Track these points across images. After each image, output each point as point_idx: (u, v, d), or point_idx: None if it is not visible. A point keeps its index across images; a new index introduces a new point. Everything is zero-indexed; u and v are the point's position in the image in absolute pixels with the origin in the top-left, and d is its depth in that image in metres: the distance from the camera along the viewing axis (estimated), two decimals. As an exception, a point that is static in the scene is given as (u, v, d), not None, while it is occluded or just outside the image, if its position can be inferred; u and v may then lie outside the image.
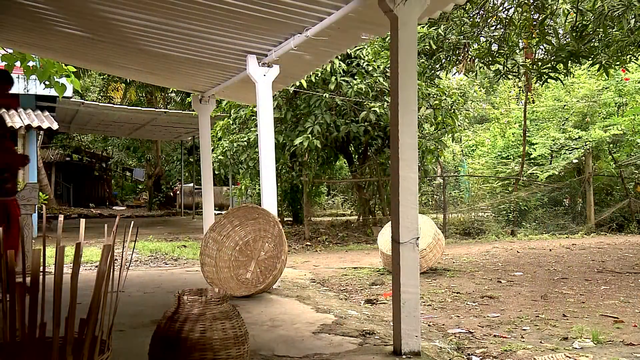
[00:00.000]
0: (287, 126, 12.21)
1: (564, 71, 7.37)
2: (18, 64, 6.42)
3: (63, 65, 6.61)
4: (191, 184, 21.81)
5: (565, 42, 7.21)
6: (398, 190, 3.35)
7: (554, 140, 15.35)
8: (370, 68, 11.60)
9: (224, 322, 2.59)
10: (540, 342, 4.14)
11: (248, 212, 5.46)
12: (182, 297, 2.63)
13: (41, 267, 1.94)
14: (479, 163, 18.93)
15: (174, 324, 2.56)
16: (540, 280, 7.02)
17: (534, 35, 7.56)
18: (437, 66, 8.94)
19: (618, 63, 7.36)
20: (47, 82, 6.54)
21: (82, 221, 2.28)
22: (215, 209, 11.45)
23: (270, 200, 5.64)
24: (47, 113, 12.54)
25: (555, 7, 7.12)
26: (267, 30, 4.94)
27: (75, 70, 6.81)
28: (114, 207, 24.45)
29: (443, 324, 4.75)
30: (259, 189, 7.53)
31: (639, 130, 15.01)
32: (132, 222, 2.92)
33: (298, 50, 5.16)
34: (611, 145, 15.30)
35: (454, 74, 12.33)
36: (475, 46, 8.42)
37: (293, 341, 3.64)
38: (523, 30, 7.50)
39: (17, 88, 12.06)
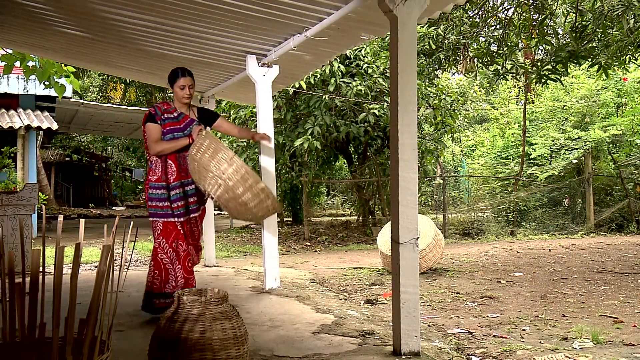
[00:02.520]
0: (286, 126, 12.22)
1: (563, 71, 7.38)
2: (17, 64, 6.42)
3: (62, 65, 6.61)
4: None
5: (564, 42, 7.21)
6: (398, 191, 3.35)
7: (553, 141, 15.38)
8: (370, 69, 11.61)
9: (223, 322, 2.59)
10: (540, 342, 4.15)
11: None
12: (182, 297, 2.63)
13: (41, 267, 1.94)
14: (478, 163, 18.95)
15: (173, 324, 2.56)
16: (539, 280, 7.02)
17: (533, 36, 7.56)
18: (436, 66, 8.94)
19: (617, 63, 7.37)
20: (46, 83, 6.53)
21: (82, 221, 2.28)
22: (215, 210, 11.46)
23: (269, 201, 5.65)
24: (46, 113, 12.54)
25: (554, 8, 7.12)
26: (267, 31, 4.94)
27: (74, 70, 6.81)
28: (113, 208, 24.45)
29: (443, 324, 4.75)
30: (259, 189, 7.51)
31: (638, 131, 15.02)
32: (132, 222, 2.93)
33: (298, 51, 5.16)
34: (610, 145, 15.31)
35: (453, 73, 12.34)
36: (475, 46, 8.43)
37: (293, 341, 3.64)
38: (522, 30, 7.51)
39: (16, 88, 12.06)
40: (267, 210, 3.95)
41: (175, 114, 4.28)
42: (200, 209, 4.35)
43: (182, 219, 4.21)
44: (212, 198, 3.92)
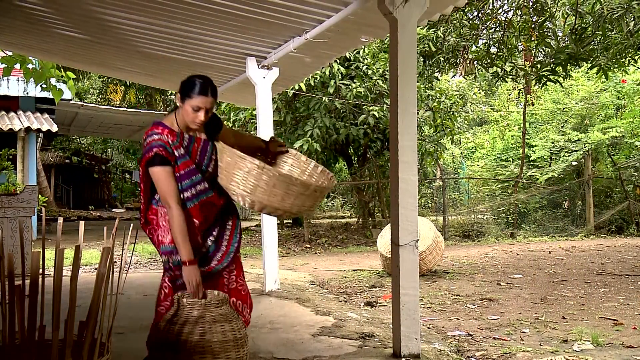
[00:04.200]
0: (286, 129, 12.22)
1: (563, 74, 7.38)
2: (17, 66, 6.41)
3: (62, 70, 6.61)
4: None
5: (564, 44, 7.22)
6: (397, 193, 3.35)
7: (553, 143, 15.38)
8: (370, 71, 11.62)
9: (223, 324, 2.59)
10: (540, 344, 4.14)
11: None
12: (182, 299, 2.63)
13: (40, 270, 1.94)
14: (478, 165, 18.95)
15: (173, 326, 2.55)
16: (539, 282, 7.02)
17: (533, 38, 7.57)
18: (435, 68, 8.95)
19: (617, 66, 7.38)
20: (43, 85, 6.53)
21: (82, 223, 2.28)
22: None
23: (269, 203, 5.65)
24: (46, 115, 12.54)
25: (554, 10, 7.13)
26: (267, 33, 4.95)
27: (74, 77, 6.80)
28: (113, 210, 24.43)
29: (443, 327, 4.75)
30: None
31: (637, 133, 15.03)
32: (132, 224, 2.92)
33: (298, 53, 5.16)
34: (610, 147, 15.31)
35: (453, 76, 12.37)
36: (475, 48, 8.44)
37: (292, 344, 3.63)
38: (522, 32, 7.51)
39: (16, 90, 12.06)
40: (322, 198, 3.10)
41: (185, 144, 2.90)
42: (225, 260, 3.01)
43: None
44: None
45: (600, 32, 6.63)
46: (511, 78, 8.34)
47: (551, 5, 7.15)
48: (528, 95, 16.82)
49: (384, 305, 5.58)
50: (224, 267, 2.98)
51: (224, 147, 2.84)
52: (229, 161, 2.77)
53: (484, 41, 8.09)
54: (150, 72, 7.04)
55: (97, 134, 21.18)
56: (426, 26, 8.59)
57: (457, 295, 6.17)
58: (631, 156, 15.30)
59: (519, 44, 8.23)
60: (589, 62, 7.15)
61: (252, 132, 12.09)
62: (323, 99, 11.44)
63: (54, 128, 11.96)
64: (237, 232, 3.09)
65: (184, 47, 5.47)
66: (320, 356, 3.34)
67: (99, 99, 22.80)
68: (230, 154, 2.76)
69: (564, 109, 16.37)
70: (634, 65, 8.27)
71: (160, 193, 2.85)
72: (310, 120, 11.65)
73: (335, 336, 3.83)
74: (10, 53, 6.40)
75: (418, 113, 11.35)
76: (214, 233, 2.99)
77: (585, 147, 14.44)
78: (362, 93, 11.40)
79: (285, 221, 15.92)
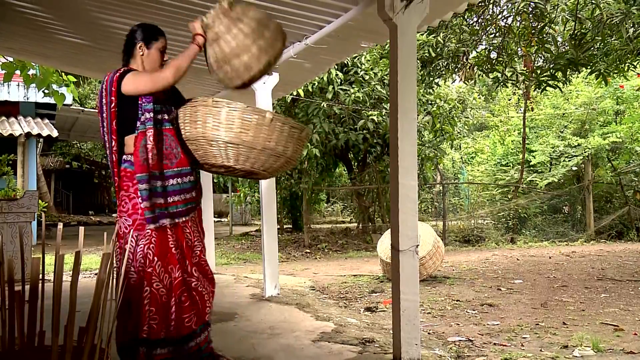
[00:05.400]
0: (286, 134, 12.22)
1: (563, 79, 7.40)
2: (18, 72, 6.43)
3: (63, 74, 6.63)
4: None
5: (564, 50, 7.24)
6: (397, 198, 3.35)
7: (553, 148, 15.40)
8: (368, 77, 11.65)
9: None
10: (540, 350, 4.13)
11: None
12: None
13: (40, 275, 1.94)
14: (478, 170, 18.96)
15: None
16: (540, 288, 7.01)
17: (532, 44, 7.58)
18: (435, 74, 8.96)
19: (617, 71, 7.39)
20: (46, 91, 6.54)
21: (82, 229, 2.28)
22: (214, 217, 11.45)
23: (269, 208, 5.66)
24: (46, 121, 12.55)
25: (554, 15, 7.15)
26: (267, 38, 4.95)
27: (75, 80, 6.81)
28: (113, 215, 24.42)
29: (443, 332, 4.74)
30: (258, 197, 7.52)
31: (637, 138, 15.05)
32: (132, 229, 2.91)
33: (298, 58, 5.17)
34: (610, 152, 15.33)
35: (453, 81, 12.39)
36: (475, 54, 8.46)
37: (293, 350, 3.63)
38: (522, 38, 7.53)
39: (17, 96, 12.08)
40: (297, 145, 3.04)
41: None
42: (192, 210, 3.13)
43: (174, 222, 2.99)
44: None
45: (600, 38, 6.65)
46: (511, 83, 8.35)
47: (551, 11, 7.16)
48: (528, 101, 16.85)
49: (384, 311, 5.57)
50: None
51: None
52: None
53: (484, 47, 8.12)
54: (151, 78, 7.03)
55: (98, 139, 21.17)
56: (426, 32, 8.60)
57: (457, 301, 6.16)
58: (631, 161, 15.32)
59: (519, 49, 8.25)
60: (589, 67, 7.16)
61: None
62: (322, 105, 11.46)
63: (54, 133, 11.97)
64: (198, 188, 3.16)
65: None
66: (320, 362, 3.34)
67: (99, 104, 22.78)
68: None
69: (563, 114, 16.40)
70: (633, 71, 8.28)
71: (143, 84, 2.94)
72: (309, 125, 11.67)
73: (335, 342, 3.83)
74: (10, 59, 6.42)
75: (417, 117, 11.38)
76: (182, 180, 2.99)
77: (585, 152, 14.45)
78: (361, 98, 11.43)
79: (285, 226, 15.93)
